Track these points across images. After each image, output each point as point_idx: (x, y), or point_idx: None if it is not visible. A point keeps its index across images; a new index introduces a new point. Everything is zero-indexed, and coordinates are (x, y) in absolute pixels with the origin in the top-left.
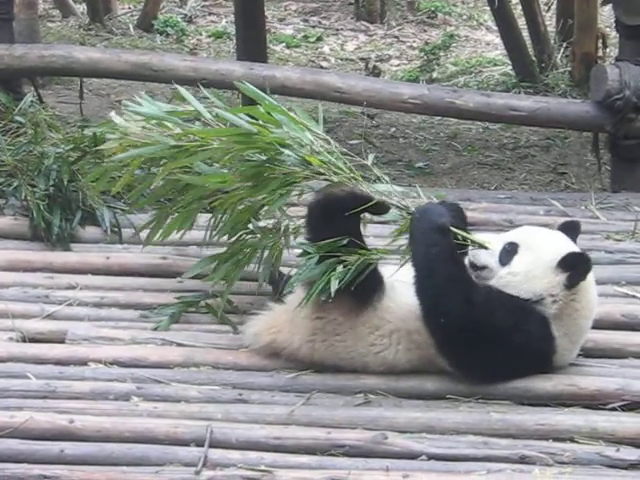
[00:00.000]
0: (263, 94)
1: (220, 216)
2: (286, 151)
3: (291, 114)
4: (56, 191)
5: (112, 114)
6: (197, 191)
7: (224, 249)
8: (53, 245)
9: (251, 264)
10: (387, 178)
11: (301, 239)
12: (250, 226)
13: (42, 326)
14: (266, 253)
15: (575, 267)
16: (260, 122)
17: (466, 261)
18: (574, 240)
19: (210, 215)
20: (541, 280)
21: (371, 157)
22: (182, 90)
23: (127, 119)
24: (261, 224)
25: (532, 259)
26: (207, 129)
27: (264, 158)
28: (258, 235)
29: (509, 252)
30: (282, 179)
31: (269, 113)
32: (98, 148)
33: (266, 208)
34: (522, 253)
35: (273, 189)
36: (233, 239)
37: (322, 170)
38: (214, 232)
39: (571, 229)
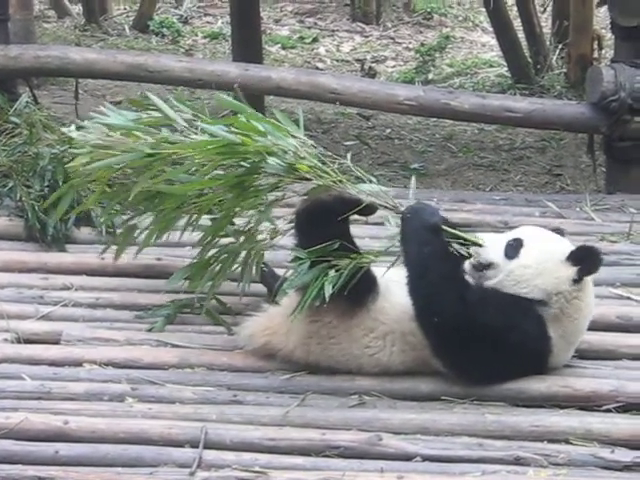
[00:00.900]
0: (240, 104)
1: (200, 219)
2: (271, 159)
3: (273, 121)
4: (51, 192)
5: (66, 129)
6: (175, 200)
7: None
8: (48, 246)
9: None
10: (373, 178)
11: (289, 239)
12: (225, 231)
13: (37, 327)
14: (245, 254)
15: (586, 260)
16: (240, 131)
17: (467, 264)
18: None
19: (192, 220)
20: (552, 274)
21: (349, 156)
22: (152, 97)
23: (91, 131)
24: (235, 227)
25: (542, 251)
26: (182, 140)
27: (247, 166)
28: (234, 239)
29: (515, 247)
30: (267, 187)
31: (249, 122)
32: (67, 166)
33: (247, 212)
34: (529, 247)
35: (257, 196)
36: (205, 242)
37: (309, 176)
38: (196, 240)
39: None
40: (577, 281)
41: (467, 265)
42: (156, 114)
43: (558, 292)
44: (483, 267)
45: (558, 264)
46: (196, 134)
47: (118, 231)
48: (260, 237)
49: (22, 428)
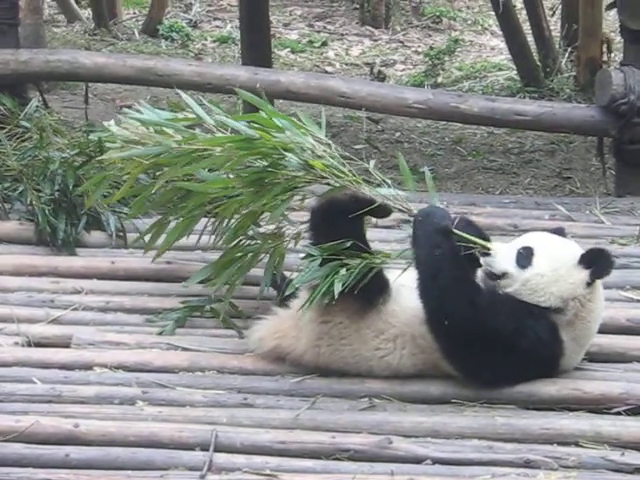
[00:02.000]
0: (262, 100)
1: (222, 222)
2: (289, 155)
3: (293, 119)
4: (61, 196)
5: (107, 123)
6: (199, 198)
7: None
8: (58, 250)
9: (256, 269)
10: (389, 182)
11: (303, 244)
12: (250, 232)
13: (47, 330)
14: (267, 258)
15: (597, 262)
16: (261, 127)
17: (479, 273)
18: None
19: (212, 219)
20: (566, 280)
21: (372, 162)
22: (184, 96)
23: (126, 127)
24: (261, 230)
25: (553, 258)
26: (209, 136)
27: (266, 164)
28: (259, 241)
29: (526, 256)
30: (285, 184)
31: (271, 118)
32: (100, 158)
33: (269, 214)
34: (540, 254)
35: (276, 194)
36: (232, 244)
37: (324, 174)
38: (217, 239)
39: (558, 235)
40: (590, 284)
41: (480, 273)
42: (191, 115)
43: (574, 297)
44: (496, 277)
45: (571, 269)
46: (224, 134)
47: (129, 235)
48: (282, 239)
49: (32, 431)
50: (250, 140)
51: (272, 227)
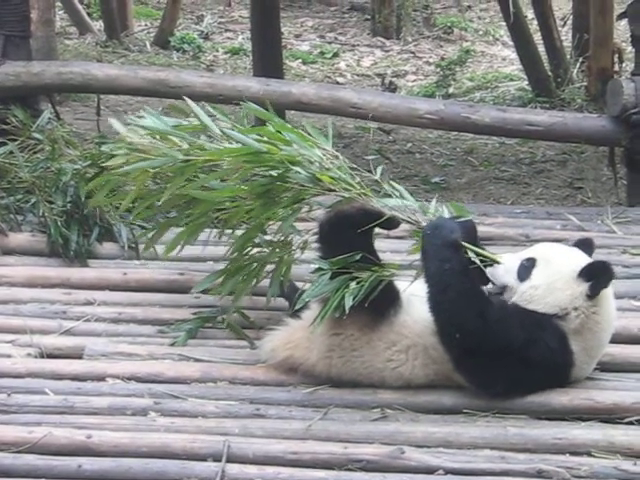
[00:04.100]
0: (268, 112)
1: (229, 230)
2: (296, 168)
3: (300, 131)
4: (73, 207)
5: (112, 120)
6: (205, 205)
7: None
8: (71, 261)
9: (268, 279)
10: (397, 192)
11: (309, 253)
12: (257, 240)
13: (60, 342)
14: (273, 267)
15: (597, 276)
16: (267, 139)
17: (486, 289)
18: (589, 256)
19: (218, 229)
20: (563, 292)
21: (379, 170)
22: (191, 103)
23: (132, 135)
24: (267, 237)
25: (552, 271)
26: (217, 148)
27: (274, 175)
28: (265, 249)
29: (527, 267)
30: (292, 196)
31: (278, 131)
32: (105, 164)
33: (279, 223)
34: (541, 267)
35: (284, 206)
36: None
37: (332, 187)
38: (228, 251)
39: (585, 246)
40: (592, 296)
41: (487, 289)
42: (195, 121)
43: (575, 307)
44: (500, 291)
45: (569, 281)
46: (231, 143)
47: (141, 245)
48: (288, 248)
49: (45, 443)
50: (258, 153)
51: (279, 235)
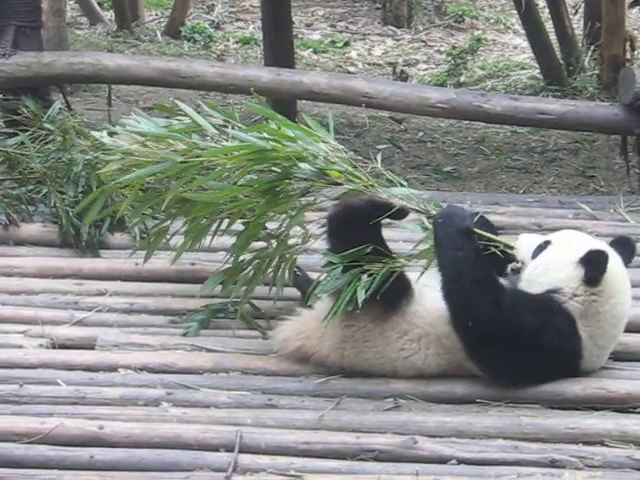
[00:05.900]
0: (270, 110)
1: (230, 226)
2: (302, 165)
3: (302, 126)
4: (85, 198)
5: (98, 134)
6: (206, 206)
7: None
8: (82, 252)
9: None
10: (404, 182)
11: (313, 243)
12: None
13: (72, 332)
14: (277, 259)
15: (592, 263)
16: (272, 138)
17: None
18: (629, 256)
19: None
20: (557, 272)
21: (379, 158)
22: (182, 105)
23: (122, 142)
24: (269, 230)
25: (556, 254)
26: (213, 147)
27: (279, 172)
28: (269, 242)
29: (541, 249)
30: (298, 192)
31: (280, 128)
32: (98, 172)
33: (280, 218)
34: (550, 249)
35: (290, 202)
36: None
37: (339, 180)
38: (229, 244)
39: (623, 245)
40: (587, 282)
41: (509, 268)
42: (187, 120)
43: (568, 287)
44: (520, 267)
45: (568, 264)
46: (227, 140)
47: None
48: (292, 241)
49: (57, 433)
50: (262, 151)
51: (278, 229)
